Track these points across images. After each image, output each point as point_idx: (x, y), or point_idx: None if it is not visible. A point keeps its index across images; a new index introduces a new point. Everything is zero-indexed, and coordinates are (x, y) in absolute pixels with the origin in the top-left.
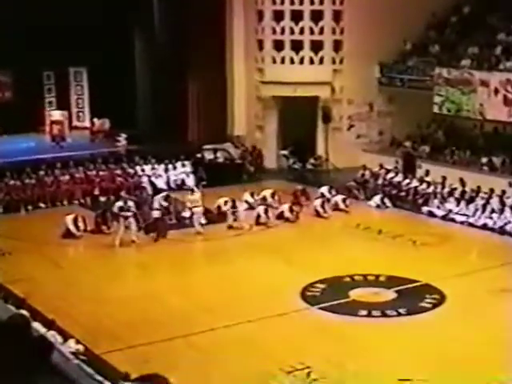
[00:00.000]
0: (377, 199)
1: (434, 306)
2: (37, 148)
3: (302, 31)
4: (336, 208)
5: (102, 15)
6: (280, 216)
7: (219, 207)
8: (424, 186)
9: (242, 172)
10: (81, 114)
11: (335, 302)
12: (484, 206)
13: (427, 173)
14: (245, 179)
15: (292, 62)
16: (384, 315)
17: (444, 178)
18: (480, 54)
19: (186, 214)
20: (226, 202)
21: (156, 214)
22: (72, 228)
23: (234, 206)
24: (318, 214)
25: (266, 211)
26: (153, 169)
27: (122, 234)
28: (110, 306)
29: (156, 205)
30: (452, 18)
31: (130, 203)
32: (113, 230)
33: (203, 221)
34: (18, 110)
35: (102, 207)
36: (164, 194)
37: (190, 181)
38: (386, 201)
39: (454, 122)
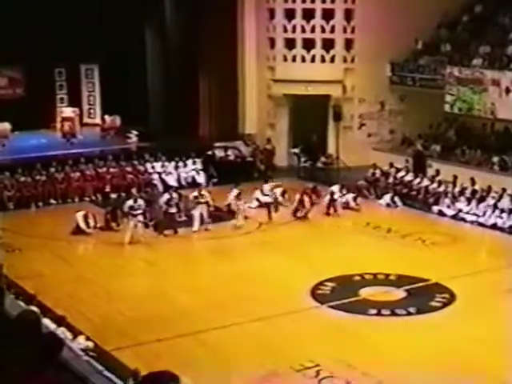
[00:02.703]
0: (387, 198)
1: (444, 305)
2: (48, 145)
3: (313, 29)
4: (346, 207)
5: (113, 12)
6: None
7: (229, 205)
8: (435, 185)
9: (253, 170)
10: (92, 110)
11: (345, 301)
12: (494, 206)
13: (438, 172)
14: (255, 177)
15: (303, 60)
16: (394, 314)
17: (455, 178)
18: (491, 53)
19: (196, 211)
20: (238, 195)
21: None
22: (82, 225)
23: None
24: (327, 213)
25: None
26: (163, 166)
27: (131, 231)
28: (120, 303)
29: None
30: (464, 17)
31: (140, 201)
32: (122, 228)
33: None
34: (29, 106)
35: (112, 204)
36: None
37: (201, 178)
38: (397, 199)
39: (465, 121)
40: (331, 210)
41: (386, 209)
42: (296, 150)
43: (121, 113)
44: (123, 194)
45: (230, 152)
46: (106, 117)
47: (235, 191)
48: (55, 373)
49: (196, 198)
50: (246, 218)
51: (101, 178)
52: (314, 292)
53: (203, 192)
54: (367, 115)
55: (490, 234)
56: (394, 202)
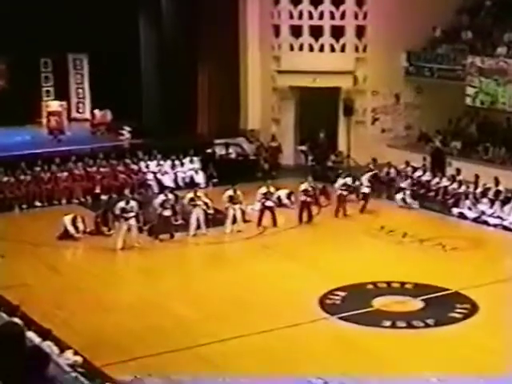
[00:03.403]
0: (399, 197)
1: (465, 316)
2: (33, 142)
3: (321, 16)
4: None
5: None
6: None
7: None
8: (455, 185)
9: (256, 169)
10: (81, 104)
11: (357, 312)
12: None
13: (458, 171)
14: (259, 177)
15: (311, 49)
16: (410, 326)
17: (477, 177)
18: None
19: (193, 215)
20: (231, 198)
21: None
22: (70, 229)
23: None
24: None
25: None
26: (158, 165)
27: (123, 236)
28: (112, 314)
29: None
30: (487, 2)
31: (133, 203)
32: (114, 232)
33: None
34: (13, 99)
35: (103, 207)
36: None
37: (200, 178)
38: (410, 200)
39: (489, 116)
40: (340, 212)
41: (402, 211)
42: (303, 148)
43: (112, 107)
44: (115, 196)
45: (231, 150)
46: (96, 111)
47: (228, 193)
48: None
49: (192, 200)
50: (246, 221)
51: (90, 178)
52: (322, 302)
53: (199, 193)
54: (381, 109)
55: None
56: (406, 203)
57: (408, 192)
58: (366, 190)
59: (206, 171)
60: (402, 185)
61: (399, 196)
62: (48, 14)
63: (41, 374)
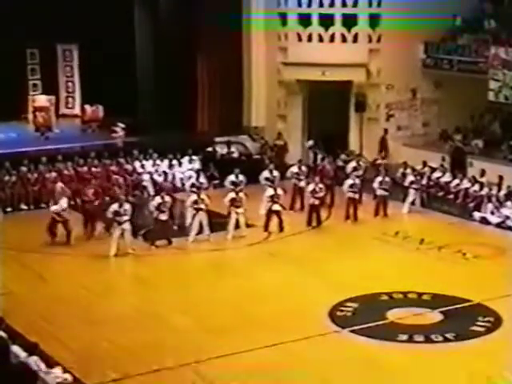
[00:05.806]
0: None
1: (488, 330)
2: (18, 139)
3: (332, 3)
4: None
5: None
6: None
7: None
8: (476, 187)
9: (261, 169)
10: (70, 99)
11: (370, 325)
12: None
13: (483, 172)
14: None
15: (320, 39)
16: (428, 341)
17: (500, 179)
18: None
19: (195, 219)
20: (233, 200)
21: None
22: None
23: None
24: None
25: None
26: (155, 165)
27: (117, 241)
28: (104, 328)
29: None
30: None
31: (127, 206)
32: (104, 236)
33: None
34: None
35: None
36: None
37: (200, 179)
38: (417, 202)
39: None
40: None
41: (418, 215)
42: (311, 143)
43: (104, 102)
44: (107, 198)
45: (233, 148)
46: (87, 107)
47: (230, 195)
48: None
49: (195, 203)
50: (249, 226)
51: (81, 179)
52: (332, 314)
53: (203, 196)
54: (396, 105)
55: None
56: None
57: (418, 195)
58: (379, 192)
59: (207, 172)
60: (415, 186)
61: (409, 199)
62: (35, 0)
63: None
